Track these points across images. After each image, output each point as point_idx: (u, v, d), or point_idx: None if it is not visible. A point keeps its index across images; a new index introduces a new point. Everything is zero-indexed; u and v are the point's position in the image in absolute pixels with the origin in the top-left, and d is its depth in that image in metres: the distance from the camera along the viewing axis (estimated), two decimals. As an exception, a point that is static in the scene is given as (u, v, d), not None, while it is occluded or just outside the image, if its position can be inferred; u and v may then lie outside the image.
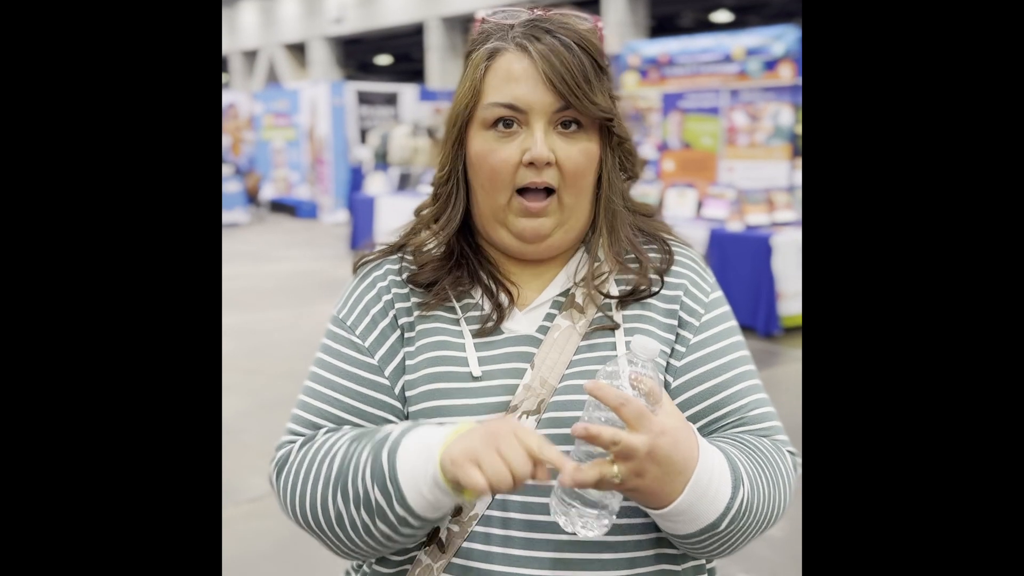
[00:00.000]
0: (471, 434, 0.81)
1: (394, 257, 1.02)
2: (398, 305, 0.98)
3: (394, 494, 0.84)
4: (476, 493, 0.78)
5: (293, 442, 0.96)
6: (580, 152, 0.93)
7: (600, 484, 0.79)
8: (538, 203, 0.93)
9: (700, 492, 0.83)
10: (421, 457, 0.83)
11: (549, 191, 0.93)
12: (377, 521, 0.86)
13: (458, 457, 0.79)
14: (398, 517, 0.84)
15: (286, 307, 7.15)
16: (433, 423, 0.89)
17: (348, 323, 0.99)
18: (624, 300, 0.96)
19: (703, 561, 0.98)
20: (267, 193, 15.36)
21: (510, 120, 0.92)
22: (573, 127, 0.92)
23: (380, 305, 0.98)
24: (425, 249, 0.99)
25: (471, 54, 0.96)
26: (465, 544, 0.90)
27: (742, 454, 0.91)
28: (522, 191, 0.93)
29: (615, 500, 0.83)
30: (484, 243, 1.00)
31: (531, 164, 0.91)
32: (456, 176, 0.98)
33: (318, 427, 0.95)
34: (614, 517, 0.83)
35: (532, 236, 0.94)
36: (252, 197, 14.65)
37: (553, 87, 0.90)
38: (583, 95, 0.90)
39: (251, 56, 24.85)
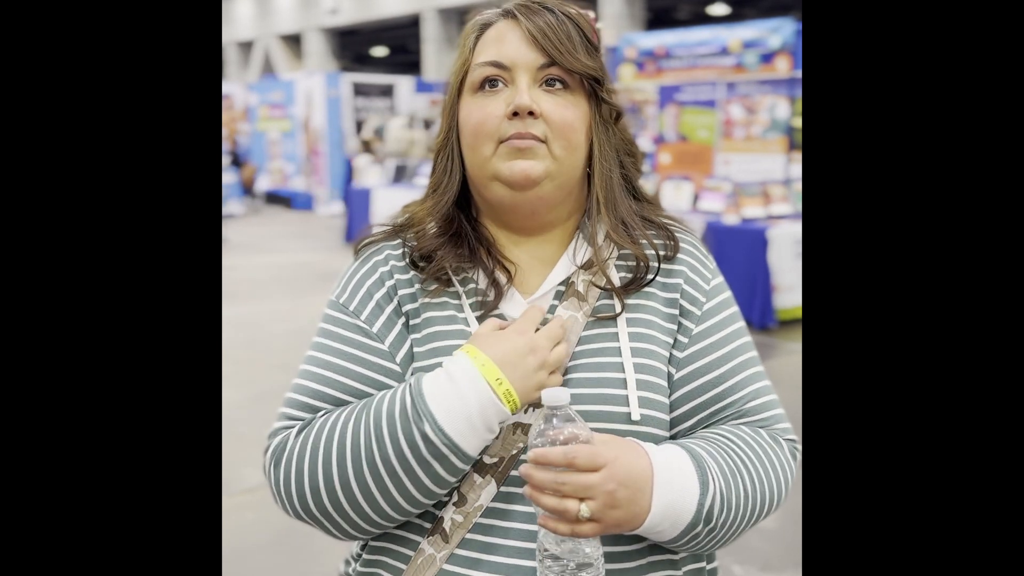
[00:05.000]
0: (512, 358, 0.87)
1: (395, 242, 1.01)
2: (401, 291, 0.96)
3: (429, 424, 0.84)
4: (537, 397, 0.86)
5: (290, 427, 0.93)
6: (568, 107, 0.93)
7: (574, 526, 0.80)
8: (524, 141, 0.91)
9: (667, 481, 0.84)
10: (465, 388, 0.85)
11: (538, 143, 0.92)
12: (415, 468, 0.85)
13: (532, 378, 0.87)
14: (437, 453, 0.84)
15: (281, 299, 7.15)
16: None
17: (351, 308, 0.97)
18: (626, 288, 0.95)
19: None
20: (262, 185, 15.31)
21: (496, 80, 0.93)
22: (558, 85, 0.93)
23: (384, 290, 0.97)
24: (427, 226, 0.98)
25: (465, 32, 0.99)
26: (468, 535, 0.90)
27: (713, 448, 0.91)
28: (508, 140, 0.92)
29: (598, 551, 0.84)
30: (484, 220, 1.00)
31: (515, 115, 0.91)
32: (451, 144, 0.98)
33: (316, 410, 0.93)
34: (602, 570, 0.84)
35: (522, 179, 0.92)
36: (247, 189, 14.61)
37: (536, 43, 0.92)
38: (567, 51, 0.92)
39: (246, 47, 24.76)
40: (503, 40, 0.94)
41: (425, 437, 0.84)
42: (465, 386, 0.85)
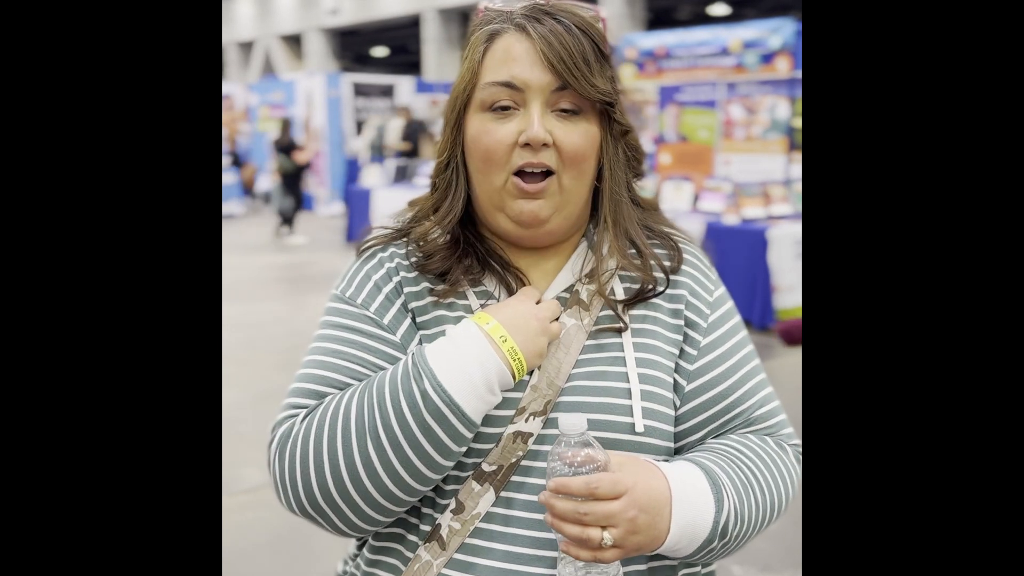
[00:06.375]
0: (516, 321, 0.88)
1: (399, 242, 0.99)
2: (407, 289, 0.95)
3: (429, 380, 0.84)
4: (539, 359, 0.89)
5: (295, 416, 0.91)
6: (580, 134, 0.91)
7: (596, 552, 0.80)
8: (535, 184, 0.90)
9: (684, 502, 0.84)
10: (465, 346, 0.85)
11: (548, 173, 0.90)
12: (416, 432, 0.83)
13: (536, 340, 0.88)
14: (437, 413, 0.83)
15: (281, 299, 7.15)
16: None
17: (359, 300, 0.95)
18: (630, 302, 0.94)
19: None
20: (263, 185, 15.29)
21: (507, 104, 0.90)
22: (572, 112, 0.90)
23: (392, 285, 0.95)
24: (430, 238, 0.96)
25: (471, 38, 0.95)
26: (468, 540, 0.89)
27: (725, 461, 0.91)
28: (519, 173, 0.91)
29: (618, 571, 0.84)
30: (487, 232, 0.98)
31: (527, 145, 0.89)
32: (456, 163, 0.95)
33: (324, 396, 0.91)
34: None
35: (530, 220, 0.91)
36: (248, 189, 14.59)
37: (551, 66, 0.88)
38: (581, 76, 0.88)
39: (247, 47, 24.76)
40: (515, 58, 0.90)
41: (424, 394, 0.83)
42: (465, 344, 0.86)
